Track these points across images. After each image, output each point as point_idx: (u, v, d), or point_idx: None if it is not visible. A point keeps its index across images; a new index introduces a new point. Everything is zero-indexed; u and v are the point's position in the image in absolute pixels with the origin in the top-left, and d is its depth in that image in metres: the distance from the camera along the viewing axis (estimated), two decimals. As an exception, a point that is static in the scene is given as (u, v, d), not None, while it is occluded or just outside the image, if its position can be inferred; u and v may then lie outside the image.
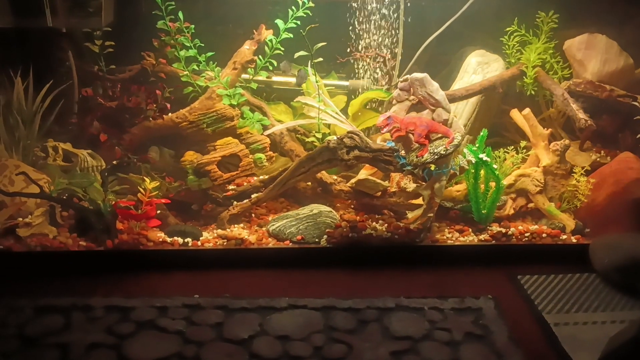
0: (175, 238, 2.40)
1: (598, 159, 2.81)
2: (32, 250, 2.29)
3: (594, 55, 2.83)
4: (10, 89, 2.66)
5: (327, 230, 2.45)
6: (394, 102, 2.51)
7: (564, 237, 2.51)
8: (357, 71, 3.02)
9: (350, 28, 2.92)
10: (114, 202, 2.38)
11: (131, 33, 2.83)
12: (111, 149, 2.70)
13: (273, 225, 2.48)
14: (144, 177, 2.50)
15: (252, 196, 2.56)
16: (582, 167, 2.61)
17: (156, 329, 1.94)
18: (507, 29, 2.86)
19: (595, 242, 2.40)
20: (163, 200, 2.49)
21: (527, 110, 2.66)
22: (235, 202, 2.56)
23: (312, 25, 2.60)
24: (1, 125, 2.61)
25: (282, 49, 2.81)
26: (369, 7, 2.88)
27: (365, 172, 2.65)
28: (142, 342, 1.88)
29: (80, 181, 2.41)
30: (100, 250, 2.32)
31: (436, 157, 2.29)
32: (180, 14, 2.69)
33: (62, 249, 2.31)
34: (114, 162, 2.60)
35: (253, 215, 2.62)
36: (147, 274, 2.27)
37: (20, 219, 2.37)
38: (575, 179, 2.59)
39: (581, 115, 2.65)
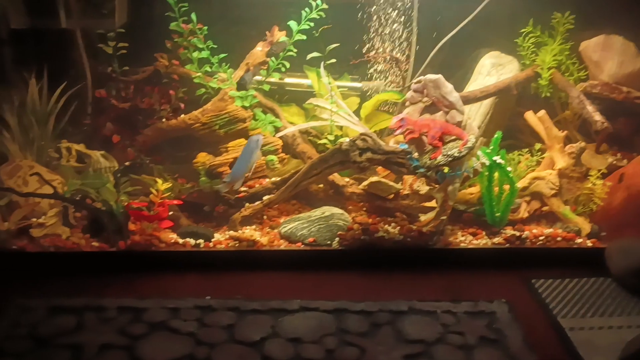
0: (187, 239, 2.40)
1: (614, 162, 2.77)
2: (45, 251, 2.30)
3: (610, 56, 2.80)
4: (24, 90, 2.67)
5: (339, 232, 2.44)
6: (408, 103, 2.49)
7: (579, 240, 2.49)
8: (370, 73, 3.00)
9: (364, 29, 2.91)
10: (126, 203, 2.39)
11: (144, 34, 2.84)
12: (124, 150, 2.72)
13: (285, 227, 2.47)
14: (157, 179, 2.50)
15: (264, 198, 2.55)
16: (598, 170, 2.57)
17: (168, 330, 1.94)
18: (522, 30, 2.83)
19: (611, 246, 2.37)
20: (175, 202, 2.49)
21: (542, 112, 2.64)
22: (247, 204, 2.55)
23: (325, 27, 2.59)
24: (15, 126, 2.62)
25: (295, 50, 2.81)
26: (383, 8, 2.87)
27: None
28: (154, 343, 1.88)
29: (93, 182, 2.41)
30: (113, 251, 2.32)
31: (450, 159, 2.28)
32: (193, 16, 2.70)
33: (75, 249, 2.32)
34: (127, 163, 2.61)
35: (265, 217, 2.61)
36: (159, 275, 2.27)
37: (34, 219, 2.38)
38: (591, 182, 2.56)
39: (597, 117, 2.62)
